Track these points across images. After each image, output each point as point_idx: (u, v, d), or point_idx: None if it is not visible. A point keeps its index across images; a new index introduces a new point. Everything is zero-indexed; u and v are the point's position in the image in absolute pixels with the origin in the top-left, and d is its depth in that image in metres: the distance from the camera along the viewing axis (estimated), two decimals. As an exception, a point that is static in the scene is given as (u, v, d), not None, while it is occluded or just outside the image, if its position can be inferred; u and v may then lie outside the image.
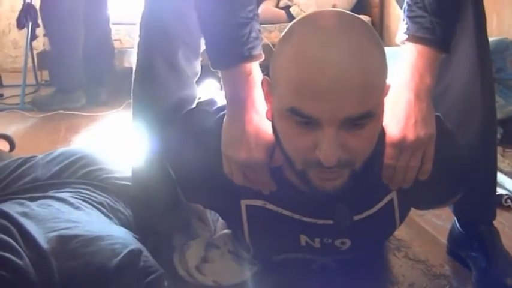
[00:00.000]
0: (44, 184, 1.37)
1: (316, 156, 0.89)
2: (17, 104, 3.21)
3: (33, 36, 3.49)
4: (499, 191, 1.67)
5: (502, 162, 1.94)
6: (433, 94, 1.05)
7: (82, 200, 1.27)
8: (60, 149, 1.55)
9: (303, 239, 1.14)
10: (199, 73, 1.27)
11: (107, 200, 1.33)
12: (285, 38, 0.94)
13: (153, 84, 1.19)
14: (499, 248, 1.25)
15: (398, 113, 1.03)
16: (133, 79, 1.21)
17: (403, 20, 1.05)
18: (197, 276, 1.24)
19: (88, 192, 1.32)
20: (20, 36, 4.31)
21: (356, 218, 1.10)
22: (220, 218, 1.37)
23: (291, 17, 3.60)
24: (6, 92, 3.58)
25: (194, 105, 1.23)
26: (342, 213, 1.08)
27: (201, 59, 1.24)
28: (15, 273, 0.93)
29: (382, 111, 0.95)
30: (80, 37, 3.19)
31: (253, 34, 1.01)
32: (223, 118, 1.06)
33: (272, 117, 0.98)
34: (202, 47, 1.18)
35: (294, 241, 1.15)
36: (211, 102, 1.20)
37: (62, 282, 0.98)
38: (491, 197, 1.32)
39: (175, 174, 1.16)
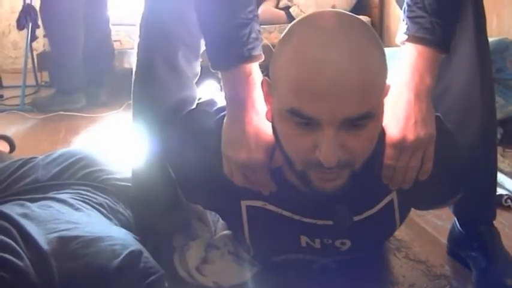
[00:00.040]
0: (44, 185, 1.37)
1: (316, 157, 0.89)
2: (17, 105, 3.21)
3: (33, 37, 3.49)
4: (499, 191, 1.67)
5: (502, 162, 1.94)
6: (433, 94, 1.05)
7: (82, 201, 1.28)
8: (60, 150, 1.55)
9: (303, 239, 1.14)
10: (199, 74, 1.27)
11: (107, 201, 1.33)
12: (285, 39, 0.94)
13: (153, 85, 1.19)
14: (499, 248, 1.25)
15: (398, 114, 1.03)
16: (133, 80, 1.21)
17: (403, 20, 1.05)
18: (197, 277, 1.24)
19: (88, 193, 1.32)
20: (20, 37, 4.31)
21: (356, 218, 1.10)
22: (220, 219, 1.37)
23: (290, 18, 3.59)
24: (6, 93, 3.57)
25: (194, 106, 1.23)
26: (342, 213, 1.08)
27: (201, 59, 1.24)
28: (15, 274, 0.94)
29: (382, 111, 0.95)
30: (80, 38, 3.19)
31: (253, 35, 1.01)
32: (223, 119, 1.06)
33: (272, 118, 0.98)
34: (202, 47, 1.18)
35: (294, 242, 1.15)
36: (211, 103, 1.20)
37: (62, 283, 0.98)
38: (491, 197, 1.32)
39: (176, 175, 1.16)
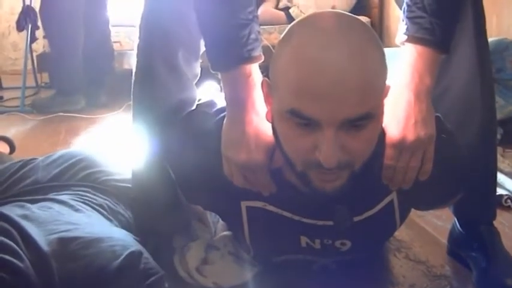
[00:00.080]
0: (45, 186, 1.37)
1: (316, 158, 0.89)
2: (17, 106, 3.22)
3: (33, 39, 3.49)
4: (499, 191, 1.67)
5: (502, 163, 1.94)
6: (433, 95, 1.05)
7: (82, 202, 1.28)
8: (61, 151, 1.55)
9: (303, 240, 1.14)
10: (199, 75, 1.27)
11: (107, 202, 1.33)
12: (285, 40, 0.94)
13: (153, 86, 1.19)
14: (499, 248, 1.25)
15: (398, 114, 1.03)
16: (133, 81, 1.21)
17: (403, 20, 1.05)
18: (197, 278, 1.24)
19: (88, 194, 1.33)
20: (20, 39, 4.31)
21: (356, 219, 1.10)
22: (220, 220, 1.37)
23: (290, 19, 3.59)
24: (6, 95, 3.58)
25: (194, 107, 1.23)
26: (342, 214, 1.08)
27: (200, 60, 1.24)
28: (15, 275, 0.94)
29: (382, 112, 0.95)
30: (80, 39, 3.19)
31: (253, 36, 1.01)
32: (223, 120, 1.06)
33: (272, 118, 0.98)
34: (202, 48, 1.18)
35: (294, 242, 1.15)
36: (211, 103, 1.20)
37: (62, 284, 0.98)
38: (491, 197, 1.32)
39: (176, 175, 1.16)
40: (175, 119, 1.17)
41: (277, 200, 1.10)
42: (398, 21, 1.08)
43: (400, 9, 1.08)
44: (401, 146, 1.03)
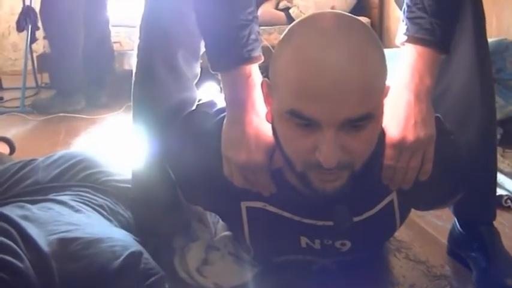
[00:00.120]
0: (45, 187, 1.37)
1: (316, 158, 0.89)
2: (17, 106, 3.21)
3: (33, 39, 3.49)
4: (499, 191, 1.67)
5: (502, 163, 1.94)
6: (433, 95, 1.05)
7: (82, 202, 1.28)
8: (61, 152, 1.55)
9: (303, 240, 1.15)
10: (199, 75, 1.27)
11: (107, 202, 1.33)
12: (285, 40, 0.94)
13: (153, 86, 1.19)
14: (499, 249, 1.25)
15: (398, 114, 1.03)
16: (133, 81, 1.21)
17: (403, 21, 1.05)
18: (198, 279, 1.24)
19: (88, 195, 1.32)
20: (20, 39, 4.31)
21: (356, 219, 1.10)
22: (220, 220, 1.37)
23: (290, 19, 3.59)
24: (6, 95, 3.57)
25: (194, 107, 1.23)
26: (341, 214, 1.08)
27: (200, 61, 1.24)
28: (15, 276, 0.94)
29: (382, 112, 0.95)
30: (80, 39, 3.19)
31: (253, 36, 1.01)
32: (223, 120, 1.06)
33: (272, 119, 0.98)
34: (202, 49, 1.18)
35: (294, 243, 1.15)
36: (211, 104, 1.19)
37: (62, 285, 0.98)
38: (491, 198, 1.32)
39: (176, 176, 1.16)
40: (175, 119, 1.17)
41: (277, 200, 1.10)
42: (398, 21, 1.08)
43: (400, 9, 1.08)
44: (401, 146, 1.03)
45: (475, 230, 1.28)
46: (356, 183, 0.95)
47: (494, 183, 1.33)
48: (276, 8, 3.86)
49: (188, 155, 1.11)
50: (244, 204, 1.12)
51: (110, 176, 1.43)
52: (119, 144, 2.22)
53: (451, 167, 1.10)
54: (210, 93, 1.53)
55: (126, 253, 1.02)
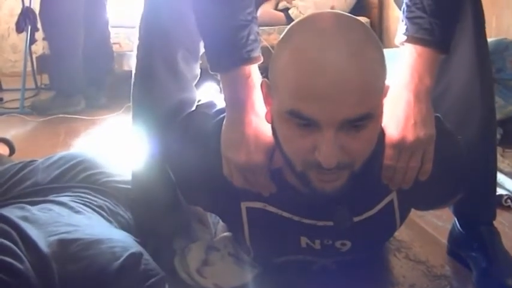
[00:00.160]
0: (45, 188, 1.37)
1: (316, 158, 0.89)
2: (17, 108, 3.22)
3: (32, 40, 3.50)
4: (499, 191, 1.67)
5: (502, 162, 1.94)
6: (433, 95, 1.05)
7: (82, 204, 1.27)
8: (60, 153, 1.55)
9: (304, 240, 1.14)
10: (199, 76, 1.27)
11: (107, 203, 1.33)
12: (284, 40, 0.94)
13: (152, 87, 1.19)
14: (499, 248, 1.25)
15: (398, 114, 1.03)
16: (132, 82, 1.21)
17: (402, 21, 1.05)
18: (198, 279, 1.24)
19: (88, 196, 1.32)
20: (19, 41, 4.31)
21: (356, 219, 1.10)
22: (220, 221, 1.37)
23: (289, 19, 3.59)
24: (6, 96, 3.58)
25: (194, 107, 1.23)
26: (341, 214, 1.08)
27: (200, 61, 1.24)
28: (15, 277, 0.94)
29: (382, 112, 0.95)
30: (80, 40, 3.19)
31: (252, 36, 1.01)
32: (223, 120, 1.06)
33: (271, 119, 0.98)
34: (202, 50, 1.18)
35: (295, 243, 1.15)
36: (210, 104, 1.19)
37: (62, 286, 0.98)
38: (491, 197, 1.32)
39: (175, 176, 1.16)
40: (175, 120, 1.17)
41: (277, 200, 1.10)
42: (397, 21, 1.08)
43: (400, 9, 1.08)
44: (400, 146, 1.03)
45: (475, 230, 1.28)
46: (356, 183, 0.95)
47: (494, 183, 1.33)
48: (276, 8, 3.87)
49: (188, 155, 1.11)
50: (244, 205, 1.12)
51: (110, 177, 1.43)
52: (119, 145, 2.22)
53: (451, 167, 1.09)
54: (209, 93, 1.53)
55: (126, 254, 1.02)
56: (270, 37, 3.41)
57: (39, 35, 3.48)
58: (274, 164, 1.05)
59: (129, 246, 1.05)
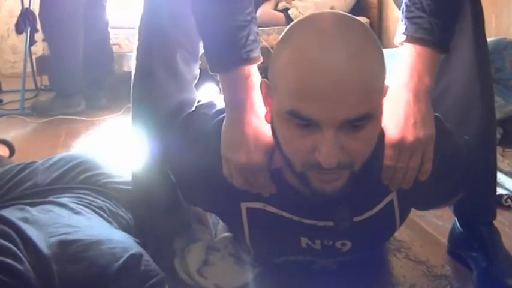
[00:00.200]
0: (45, 189, 1.36)
1: (316, 158, 0.89)
2: (17, 109, 3.21)
3: (32, 41, 3.49)
4: (499, 191, 1.67)
5: (502, 162, 1.94)
6: (433, 95, 1.05)
7: (82, 205, 1.27)
8: (60, 154, 1.55)
9: (304, 241, 1.14)
10: (198, 76, 1.27)
11: (107, 204, 1.33)
12: (283, 41, 0.94)
13: (152, 88, 1.19)
14: (500, 248, 1.25)
15: (398, 114, 1.03)
16: (132, 83, 1.21)
17: (402, 20, 1.05)
18: (198, 280, 1.24)
19: (88, 197, 1.32)
20: (19, 42, 4.31)
21: (356, 219, 1.10)
22: (220, 221, 1.37)
23: (289, 20, 3.59)
24: (6, 98, 3.58)
25: (193, 108, 1.23)
26: (341, 214, 1.08)
27: (200, 62, 1.24)
28: (15, 278, 0.93)
29: (381, 112, 0.95)
30: (80, 41, 3.19)
31: (252, 37, 1.01)
32: (223, 121, 1.06)
33: (271, 119, 0.98)
34: (201, 50, 1.18)
35: (295, 243, 1.15)
36: (210, 105, 1.19)
37: (62, 287, 0.98)
38: (491, 197, 1.32)
39: (175, 177, 1.16)
40: (174, 120, 1.17)
41: (277, 200, 1.10)
42: (397, 21, 1.08)
43: (399, 9, 1.08)
44: (400, 146, 1.03)
45: (475, 230, 1.28)
46: (356, 183, 0.95)
47: (494, 183, 1.33)
48: (275, 8, 3.86)
49: (188, 156, 1.11)
50: (244, 205, 1.12)
51: (110, 177, 1.43)
52: (119, 146, 2.22)
53: (451, 166, 1.09)
54: (209, 94, 1.53)
55: (126, 255, 1.02)
56: (270, 37, 3.41)
57: (38, 36, 3.48)
58: (274, 164, 1.05)
59: (129, 247, 1.05)
